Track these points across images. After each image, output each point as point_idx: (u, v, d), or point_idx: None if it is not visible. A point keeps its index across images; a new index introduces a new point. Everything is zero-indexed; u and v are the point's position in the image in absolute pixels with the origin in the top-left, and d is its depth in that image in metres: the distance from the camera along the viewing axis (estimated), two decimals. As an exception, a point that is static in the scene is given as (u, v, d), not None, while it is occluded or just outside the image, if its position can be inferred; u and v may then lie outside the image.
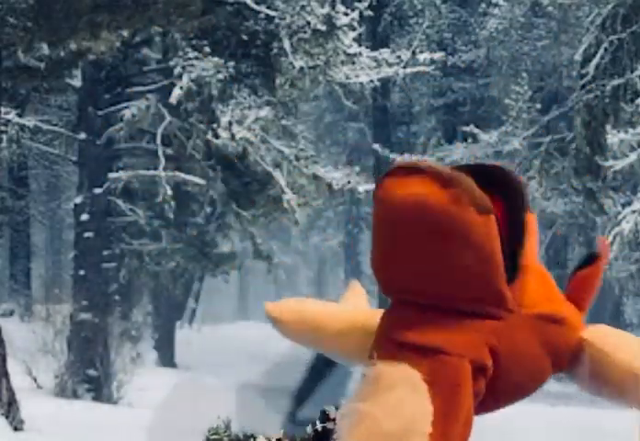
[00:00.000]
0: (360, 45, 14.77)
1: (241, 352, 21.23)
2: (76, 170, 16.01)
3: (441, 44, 21.61)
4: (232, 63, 13.50)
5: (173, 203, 14.97)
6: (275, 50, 13.55)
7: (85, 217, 14.64)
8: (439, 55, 17.05)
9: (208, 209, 16.79)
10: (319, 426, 1.40)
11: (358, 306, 1.55)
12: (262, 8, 13.29)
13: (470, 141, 20.15)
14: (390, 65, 15.31)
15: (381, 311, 1.41)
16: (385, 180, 1.31)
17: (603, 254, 1.43)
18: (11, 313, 21.11)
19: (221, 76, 13.43)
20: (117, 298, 16.23)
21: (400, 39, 22.31)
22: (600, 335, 1.40)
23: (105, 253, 14.90)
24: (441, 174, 1.25)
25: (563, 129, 19.63)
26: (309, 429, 1.43)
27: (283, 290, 38.29)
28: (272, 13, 13.34)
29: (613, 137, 13.96)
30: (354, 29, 13.95)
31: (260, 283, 37.86)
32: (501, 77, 21.37)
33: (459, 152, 20.25)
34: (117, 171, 15.27)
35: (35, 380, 13.55)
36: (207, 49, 13.55)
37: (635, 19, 14.36)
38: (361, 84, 14.90)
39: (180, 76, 13.70)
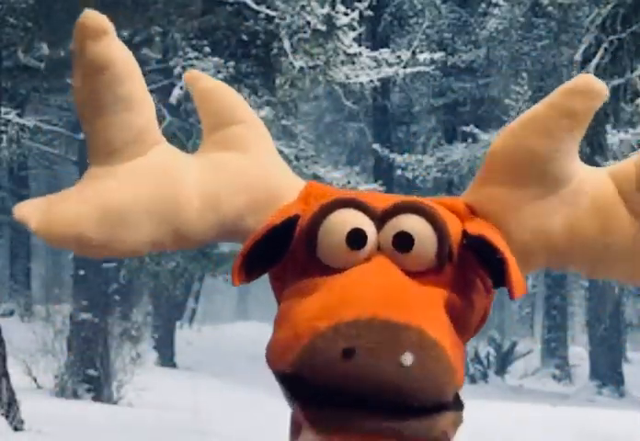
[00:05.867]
0: (360, 45, 14.77)
1: (241, 352, 21.23)
2: (76, 170, 16.01)
3: (441, 44, 21.61)
4: (232, 63, 13.50)
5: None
6: (275, 50, 13.54)
7: (85, 217, 14.64)
8: (439, 55, 17.04)
9: (208, 209, 16.77)
10: None
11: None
12: (262, 8, 13.29)
13: (470, 141, 20.15)
14: (390, 65, 15.31)
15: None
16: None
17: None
18: (11, 313, 21.11)
19: (221, 76, 13.42)
20: (117, 298, 16.24)
21: (400, 39, 22.31)
22: None
23: (105, 253, 14.89)
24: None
25: (563, 129, 19.58)
26: None
27: (283, 290, 38.27)
28: (272, 13, 13.33)
29: (613, 137, 13.97)
30: (354, 29, 13.95)
31: (260, 283, 37.81)
32: (501, 77, 21.37)
33: (459, 152, 20.26)
34: (117, 171, 15.27)
35: (35, 380, 13.56)
36: (207, 49, 13.55)
37: (635, 19, 14.35)
38: (361, 84, 14.89)
39: (180, 76, 13.69)
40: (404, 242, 1.16)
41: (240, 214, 1.26)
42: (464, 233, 1.20)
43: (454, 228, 1.21)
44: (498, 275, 1.19)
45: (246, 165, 1.28)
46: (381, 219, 1.18)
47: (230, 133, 1.29)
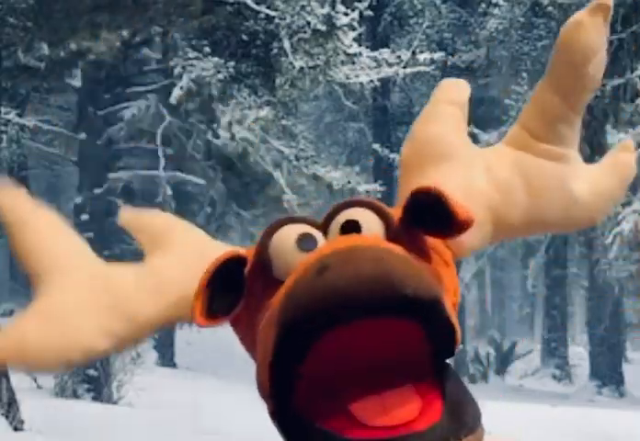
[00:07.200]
0: (360, 45, 14.77)
1: (241, 352, 21.18)
2: (76, 170, 16.01)
3: (441, 44, 21.61)
4: (232, 63, 13.50)
5: (173, 203, 14.97)
6: (275, 50, 13.54)
7: (85, 217, 14.64)
8: (439, 55, 17.05)
9: (208, 210, 16.80)
10: None
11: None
12: (262, 8, 13.29)
13: (470, 141, 20.13)
14: (390, 65, 15.31)
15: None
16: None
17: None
18: (11, 313, 21.10)
19: (221, 76, 13.43)
20: (117, 298, 16.19)
21: (400, 39, 22.31)
22: None
23: (105, 253, 14.88)
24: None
25: (563, 129, 19.59)
26: None
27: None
28: (272, 13, 13.33)
29: (613, 137, 13.94)
30: (354, 29, 13.95)
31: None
32: (501, 77, 21.36)
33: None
34: (117, 171, 15.28)
35: (35, 380, 13.55)
36: (207, 49, 13.55)
37: (635, 19, 14.35)
38: (361, 84, 14.89)
39: (180, 76, 13.70)
40: (350, 228, 1.17)
41: (187, 291, 1.22)
42: (408, 200, 1.20)
43: (395, 215, 1.23)
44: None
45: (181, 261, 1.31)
46: (325, 224, 1.20)
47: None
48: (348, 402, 1.10)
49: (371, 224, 1.19)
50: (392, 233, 1.19)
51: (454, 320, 1.14)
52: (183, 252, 1.31)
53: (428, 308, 1.08)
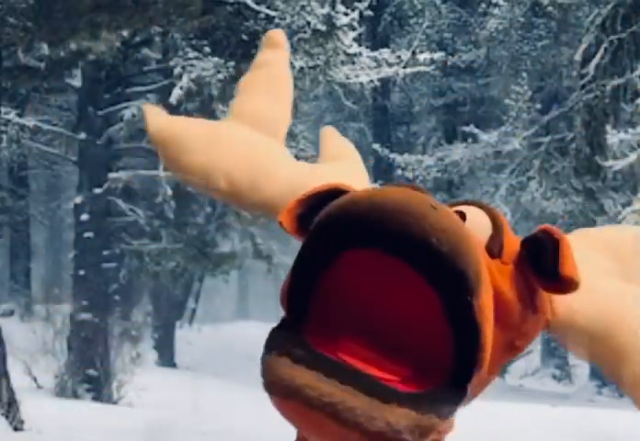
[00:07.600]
0: (360, 45, 14.77)
1: (241, 352, 21.22)
2: (76, 170, 16.01)
3: (441, 44, 21.61)
4: (232, 63, 13.50)
5: (173, 203, 14.98)
6: (275, 51, 13.54)
7: (85, 217, 14.64)
8: (439, 55, 17.04)
9: (208, 209, 16.79)
10: None
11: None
12: (262, 8, 13.29)
13: (470, 141, 20.14)
14: (390, 65, 15.30)
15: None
16: None
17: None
18: (11, 313, 21.10)
19: (221, 76, 13.43)
20: (117, 298, 16.24)
21: (400, 39, 22.31)
22: None
23: (105, 253, 14.91)
24: None
25: (563, 129, 19.62)
26: None
27: (283, 290, 38.22)
28: (272, 13, 13.33)
29: (613, 137, 13.94)
30: (354, 29, 13.95)
31: (260, 283, 37.85)
32: (501, 77, 21.36)
33: (459, 152, 20.25)
34: (117, 171, 15.28)
35: (35, 380, 13.56)
36: (207, 49, 13.55)
37: (635, 19, 14.35)
38: (361, 84, 14.89)
39: (180, 76, 13.70)
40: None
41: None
42: (532, 233, 1.16)
43: (512, 242, 1.18)
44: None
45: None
46: None
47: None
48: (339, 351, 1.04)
49: (479, 221, 1.15)
50: (496, 242, 1.14)
51: (481, 316, 1.03)
52: (340, 167, 1.44)
53: (446, 268, 1.00)
